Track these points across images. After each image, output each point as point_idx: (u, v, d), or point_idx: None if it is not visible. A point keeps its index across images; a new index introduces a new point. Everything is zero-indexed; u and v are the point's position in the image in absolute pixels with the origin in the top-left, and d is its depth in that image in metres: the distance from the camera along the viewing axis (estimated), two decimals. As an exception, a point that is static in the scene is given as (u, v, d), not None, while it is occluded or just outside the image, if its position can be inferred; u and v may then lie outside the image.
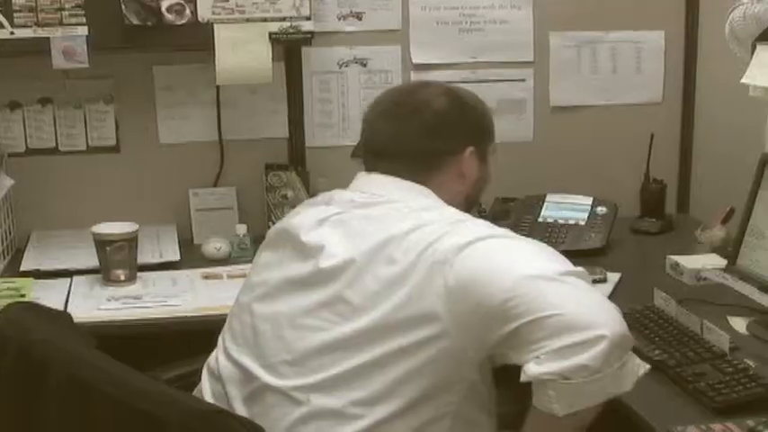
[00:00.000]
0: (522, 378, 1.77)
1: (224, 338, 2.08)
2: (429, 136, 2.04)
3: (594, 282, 2.57)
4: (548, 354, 1.73)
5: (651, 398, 1.96)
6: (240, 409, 1.94)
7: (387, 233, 1.89)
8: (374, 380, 1.84)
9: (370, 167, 2.07)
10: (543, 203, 3.11)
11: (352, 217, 1.97)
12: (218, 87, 3.09)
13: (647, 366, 1.87)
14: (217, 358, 2.06)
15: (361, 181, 2.07)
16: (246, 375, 1.97)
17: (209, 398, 2.01)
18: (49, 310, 2.13)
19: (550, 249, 1.91)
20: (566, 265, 1.85)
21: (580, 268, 1.86)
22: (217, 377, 2.03)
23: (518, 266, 1.82)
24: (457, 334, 1.80)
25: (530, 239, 1.97)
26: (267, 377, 1.92)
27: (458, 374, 1.85)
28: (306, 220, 2.03)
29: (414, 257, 1.84)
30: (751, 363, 2.04)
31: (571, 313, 1.74)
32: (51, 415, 1.82)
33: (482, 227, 1.92)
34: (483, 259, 1.83)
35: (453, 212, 1.97)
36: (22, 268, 2.79)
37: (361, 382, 1.84)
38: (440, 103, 2.07)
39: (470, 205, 2.13)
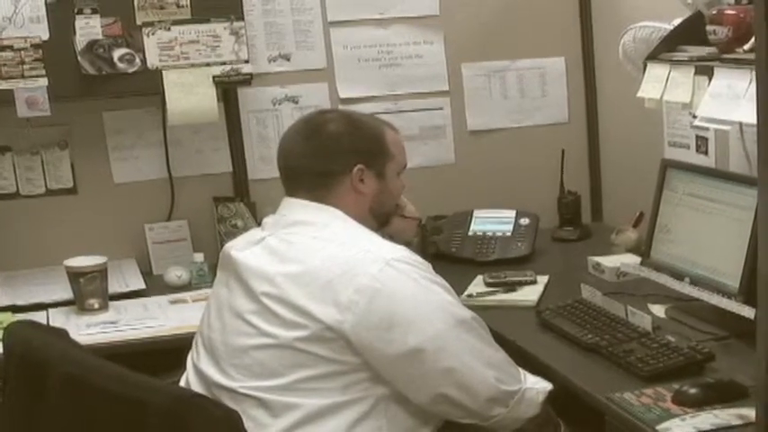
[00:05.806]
0: None
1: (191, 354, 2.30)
2: (323, 156, 2.23)
3: (526, 284, 2.86)
4: None
5: (590, 373, 2.23)
6: None
7: (303, 265, 2.10)
8: None
9: (285, 187, 2.30)
10: (471, 218, 3.30)
11: (276, 238, 2.19)
12: (164, 129, 3.26)
13: (548, 388, 2.20)
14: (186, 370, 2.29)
15: (283, 204, 2.29)
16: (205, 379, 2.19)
17: None
18: (46, 326, 2.31)
19: None
20: None
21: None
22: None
23: None
24: None
25: None
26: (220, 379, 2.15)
27: None
28: (240, 241, 2.28)
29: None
30: (671, 338, 2.27)
31: None
32: (52, 409, 1.99)
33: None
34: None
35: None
36: (-2, 305, 2.90)
37: None
38: (332, 126, 2.26)
39: (378, 218, 2.32)
